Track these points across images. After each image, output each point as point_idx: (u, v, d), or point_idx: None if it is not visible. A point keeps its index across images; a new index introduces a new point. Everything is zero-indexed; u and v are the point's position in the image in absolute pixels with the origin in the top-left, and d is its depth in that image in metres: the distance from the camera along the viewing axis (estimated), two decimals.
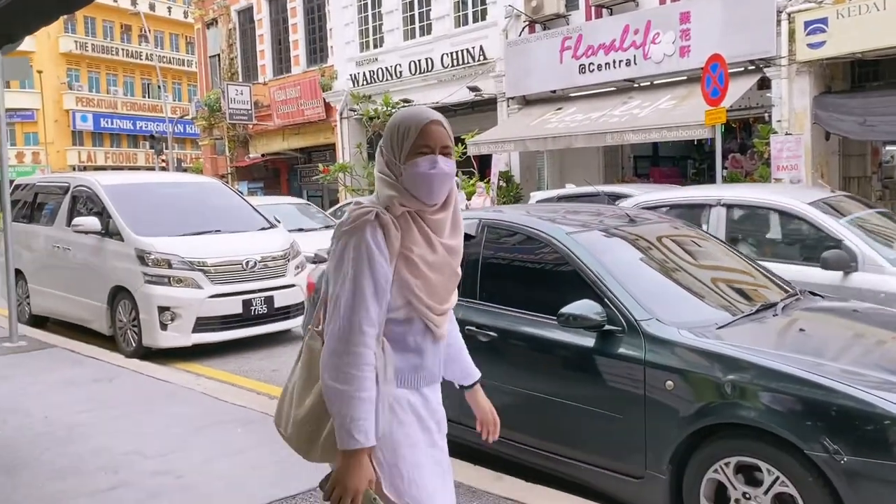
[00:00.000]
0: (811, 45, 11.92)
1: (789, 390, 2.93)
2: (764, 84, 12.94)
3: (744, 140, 14.58)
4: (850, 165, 13.40)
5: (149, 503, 3.77)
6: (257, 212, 8.83)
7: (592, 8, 15.29)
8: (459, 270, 2.01)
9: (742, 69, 12.75)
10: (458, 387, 2.29)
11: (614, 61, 14.62)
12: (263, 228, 8.39)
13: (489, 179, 16.55)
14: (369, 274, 1.78)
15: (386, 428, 1.85)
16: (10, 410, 5.40)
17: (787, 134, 12.35)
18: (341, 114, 21.03)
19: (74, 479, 4.08)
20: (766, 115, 13.13)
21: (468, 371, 2.30)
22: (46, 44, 44.92)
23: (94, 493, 3.88)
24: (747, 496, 3.01)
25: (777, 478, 2.92)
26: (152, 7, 50.82)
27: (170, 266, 7.29)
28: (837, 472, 2.74)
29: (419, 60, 18.96)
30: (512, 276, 4.29)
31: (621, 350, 3.43)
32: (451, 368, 2.22)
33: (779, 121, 12.66)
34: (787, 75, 12.43)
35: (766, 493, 2.95)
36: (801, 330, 3.58)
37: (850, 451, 2.73)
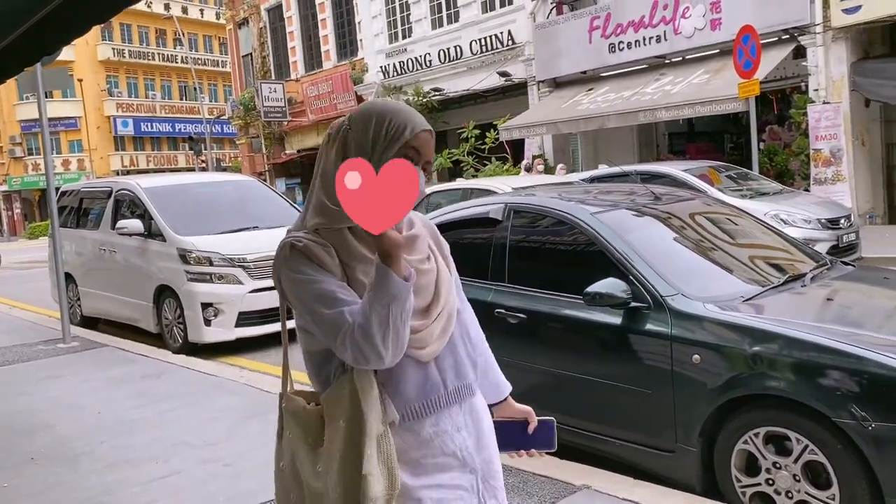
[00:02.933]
0: (846, 11, 11.64)
1: (815, 359, 2.94)
2: (799, 53, 12.68)
3: (781, 111, 14.30)
4: (893, 132, 13.06)
5: (200, 489, 3.94)
6: (293, 206, 9.01)
7: None
8: (435, 257, 1.69)
9: (776, 39, 12.51)
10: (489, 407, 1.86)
11: (644, 38, 14.47)
12: None
13: (523, 163, 16.53)
14: (317, 296, 1.48)
15: None
16: (65, 407, 5.66)
17: (825, 103, 12.11)
18: None
19: (128, 469, 4.28)
20: (803, 84, 12.87)
21: (497, 386, 1.92)
22: (85, 52, 46.06)
23: (148, 482, 4.07)
24: (777, 465, 3.04)
25: (806, 446, 2.94)
26: (185, 10, 51.66)
27: (211, 263, 7.51)
28: (865, 438, 2.75)
29: (448, 49, 18.99)
30: (539, 258, 4.35)
31: (648, 326, 3.47)
32: (481, 385, 1.82)
33: (816, 90, 12.41)
34: (823, 43, 12.17)
35: (795, 461, 2.98)
36: (829, 299, 3.57)
37: (878, 417, 2.74)
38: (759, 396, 3.11)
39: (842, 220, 8.92)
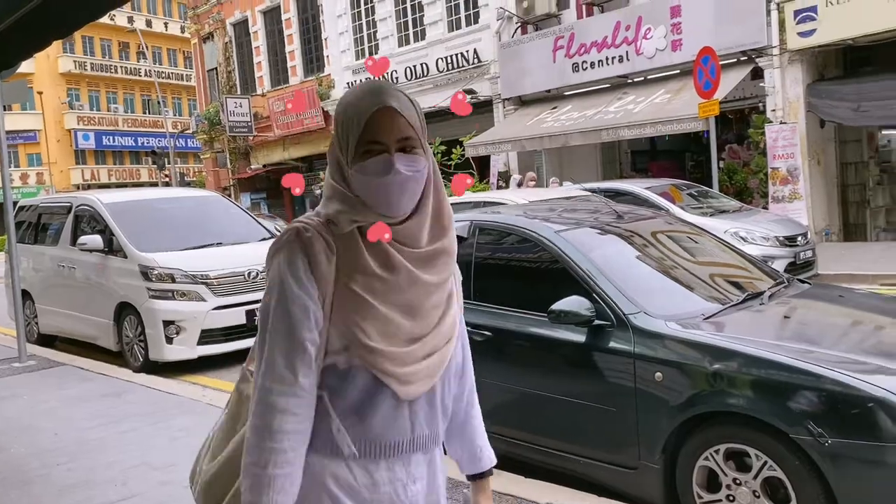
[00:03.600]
0: (802, 34, 11.99)
1: (773, 377, 3.00)
2: (757, 74, 13.01)
3: (740, 131, 14.63)
4: (847, 151, 13.44)
5: None
6: (258, 222, 8.94)
7: (583, 6, 15.39)
8: (454, 291, 1.51)
9: (735, 60, 12.82)
10: (463, 473, 1.71)
11: (607, 58, 14.71)
12: (264, 239, 8.49)
13: (489, 180, 16.64)
14: (284, 313, 1.34)
15: None
16: (20, 429, 5.51)
17: (781, 123, 12.42)
18: None
19: (84, 491, 4.18)
20: (761, 104, 13.19)
21: (476, 454, 1.67)
22: (46, 65, 45.27)
23: None
24: (738, 482, 3.08)
25: (765, 462, 2.99)
26: (149, 24, 51.14)
27: (173, 280, 7.40)
28: (822, 454, 2.81)
29: (415, 66, 19.09)
30: (504, 275, 4.38)
31: (611, 344, 3.51)
32: (454, 445, 1.67)
33: (773, 110, 12.73)
34: (780, 65, 12.50)
35: (755, 477, 3.02)
36: (787, 317, 3.66)
37: (834, 434, 2.80)
38: (719, 414, 3.16)
39: (799, 238, 9.13)
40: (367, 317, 1.37)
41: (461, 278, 1.60)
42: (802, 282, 4.34)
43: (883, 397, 2.75)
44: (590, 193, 6.67)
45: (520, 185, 13.90)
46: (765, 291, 3.89)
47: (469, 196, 10.74)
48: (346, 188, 1.40)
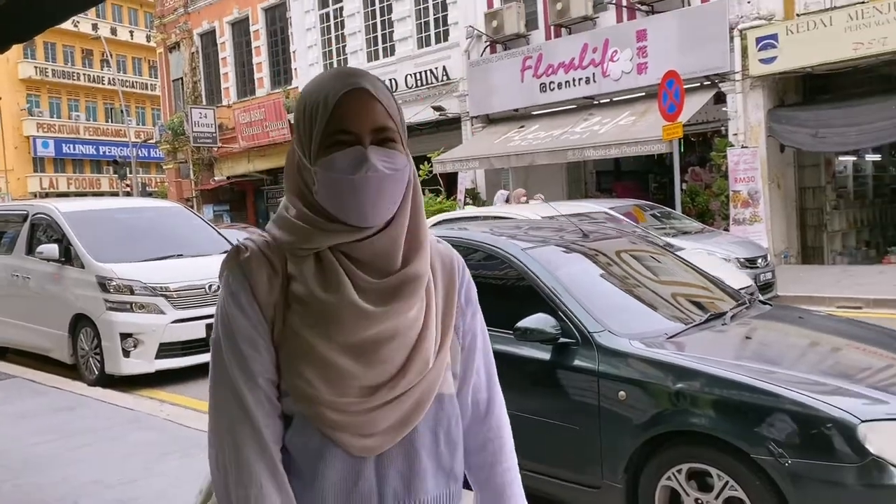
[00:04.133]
0: (763, 61, 12.28)
1: (735, 397, 3.03)
2: (720, 99, 13.28)
3: (703, 153, 14.90)
4: (805, 176, 13.77)
5: None
6: (220, 234, 8.81)
7: (552, 27, 15.58)
8: (433, 323, 1.20)
9: (698, 84, 13.08)
10: None
11: (574, 79, 14.89)
12: (226, 251, 8.36)
13: (456, 197, 16.69)
14: (231, 349, 1.13)
15: None
16: None
17: (743, 147, 12.68)
18: None
19: None
20: (723, 128, 13.46)
21: None
22: (5, 69, 44.32)
23: None
24: (700, 502, 3.09)
25: (727, 482, 3.00)
26: (114, 31, 50.42)
27: (132, 292, 7.24)
28: (782, 474, 2.83)
29: (383, 81, 19.05)
30: None
31: (576, 362, 3.51)
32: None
33: (735, 134, 12.99)
34: (742, 90, 12.78)
35: (716, 497, 3.04)
36: (748, 338, 3.70)
37: (794, 454, 2.82)
38: (682, 433, 3.17)
39: (759, 260, 9.29)
40: (309, 360, 1.10)
41: (473, 288, 1.33)
42: (763, 303, 4.41)
43: (840, 418, 2.79)
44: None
45: (507, 200, 13.45)
46: (727, 312, 3.94)
47: (472, 211, 10.47)
48: (305, 200, 1.15)
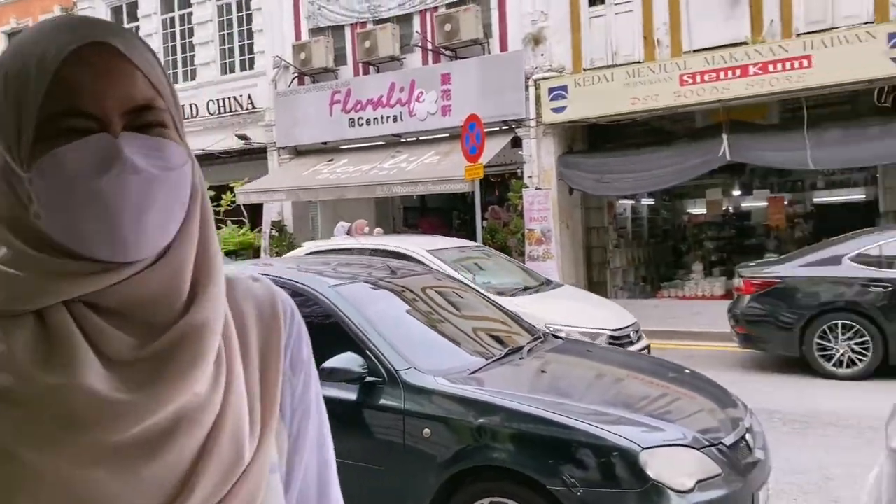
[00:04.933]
0: (554, 110, 13.28)
1: (531, 430, 3.18)
2: (517, 143, 14.13)
3: (502, 193, 15.75)
4: (591, 217, 15.00)
5: None
6: None
7: (360, 64, 15.78)
8: (233, 418, 0.75)
9: (497, 129, 13.83)
10: None
11: (382, 116, 15.16)
12: None
13: (261, 229, 16.22)
14: None
15: None
16: None
17: (537, 189, 13.56)
18: None
19: None
20: (519, 171, 14.32)
21: None
22: None
23: None
24: None
25: None
26: None
27: None
28: (574, 503, 3.01)
29: (183, 106, 18.15)
30: None
31: (382, 401, 3.51)
32: None
33: (530, 176, 13.87)
34: (536, 136, 13.70)
35: None
36: (543, 371, 3.92)
37: (585, 483, 3.01)
38: (484, 468, 3.27)
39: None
40: (35, 494, 0.67)
41: (307, 344, 0.93)
42: (556, 337, 4.70)
43: (624, 446, 3.02)
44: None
45: (349, 233, 12.74)
46: (524, 346, 4.15)
47: (348, 242, 8.91)
48: (16, 228, 0.70)
